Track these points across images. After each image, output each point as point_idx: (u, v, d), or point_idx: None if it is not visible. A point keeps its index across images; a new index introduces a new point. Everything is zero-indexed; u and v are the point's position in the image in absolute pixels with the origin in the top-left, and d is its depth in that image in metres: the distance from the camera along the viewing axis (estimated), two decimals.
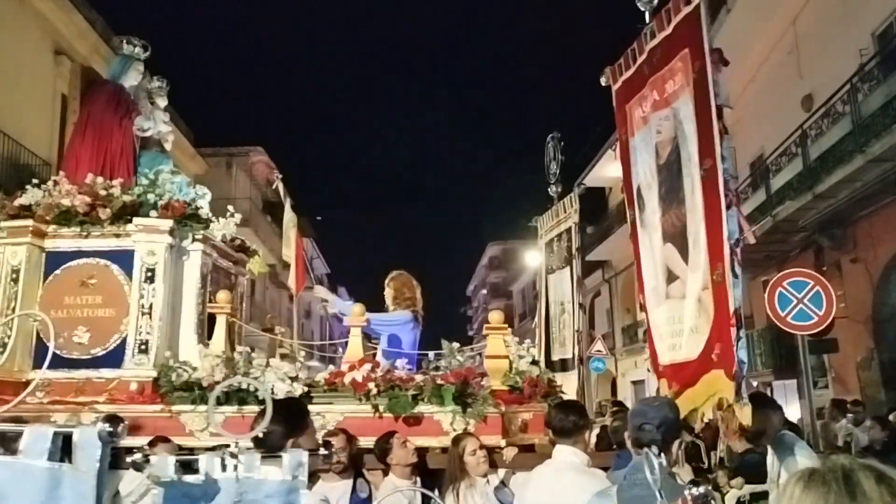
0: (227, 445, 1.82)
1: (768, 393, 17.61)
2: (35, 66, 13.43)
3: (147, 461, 1.76)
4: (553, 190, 7.91)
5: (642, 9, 4.64)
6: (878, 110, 11.27)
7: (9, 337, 4.95)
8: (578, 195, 7.55)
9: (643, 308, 4.66)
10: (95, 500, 1.58)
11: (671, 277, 4.25)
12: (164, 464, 1.76)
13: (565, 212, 7.60)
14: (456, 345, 4.97)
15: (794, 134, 13.86)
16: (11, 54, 12.63)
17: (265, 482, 1.77)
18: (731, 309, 3.57)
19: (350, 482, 4.30)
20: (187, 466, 1.78)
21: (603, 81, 5.20)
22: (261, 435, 2.22)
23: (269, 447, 2.46)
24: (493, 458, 4.37)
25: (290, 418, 2.65)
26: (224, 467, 1.77)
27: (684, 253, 4.08)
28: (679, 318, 4.07)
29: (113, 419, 1.64)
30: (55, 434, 1.62)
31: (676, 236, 4.17)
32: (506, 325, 5.18)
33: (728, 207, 3.66)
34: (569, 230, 7.49)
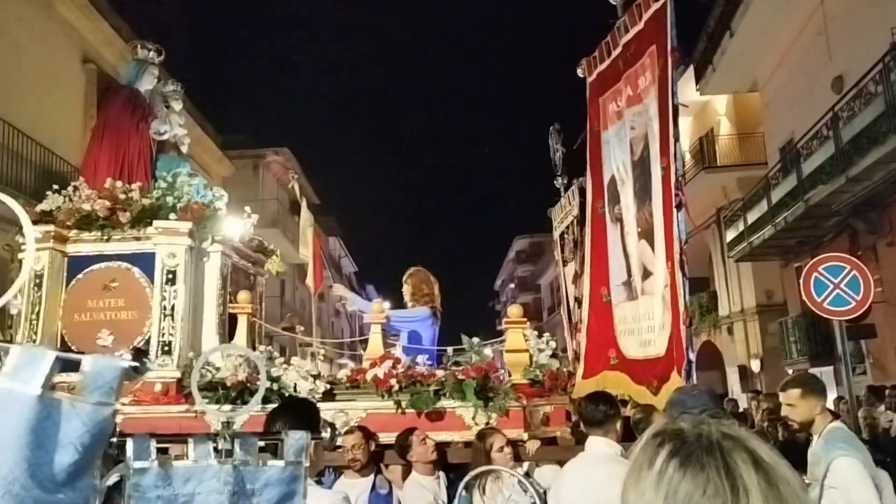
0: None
1: None
2: (64, 75, 13.66)
3: (122, 445, 1.45)
4: (559, 182, 7.83)
5: (613, 2, 4.63)
6: None
7: (34, 341, 5.03)
8: (579, 188, 7.45)
9: (599, 299, 4.58)
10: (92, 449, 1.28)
11: (646, 273, 4.20)
12: (144, 447, 1.46)
13: (570, 204, 7.53)
14: (476, 340, 4.96)
15: (825, 116, 13.55)
16: (41, 63, 12.88)
17: (264, 469, 1.54)
18: (682, 308, 3.51)
19: (370, 479, 4.31)
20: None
21: (580, 73, 5.20)
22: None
23: None
24: (516, 451, 4.34)
25: (313, 419, 2.56)
26: (218, 453, 1.51)
27: (654, 250, 4.06)
28: (652, 314, 4.03)
29: (139, 351, 1.39)
30: (57, 359, 1.28)
31: (649, 233, 4.14)
32: (525, 319, 5.17)
33: (678, 208, 3.62)
34: (572, 223, 7.43)
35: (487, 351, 5.17)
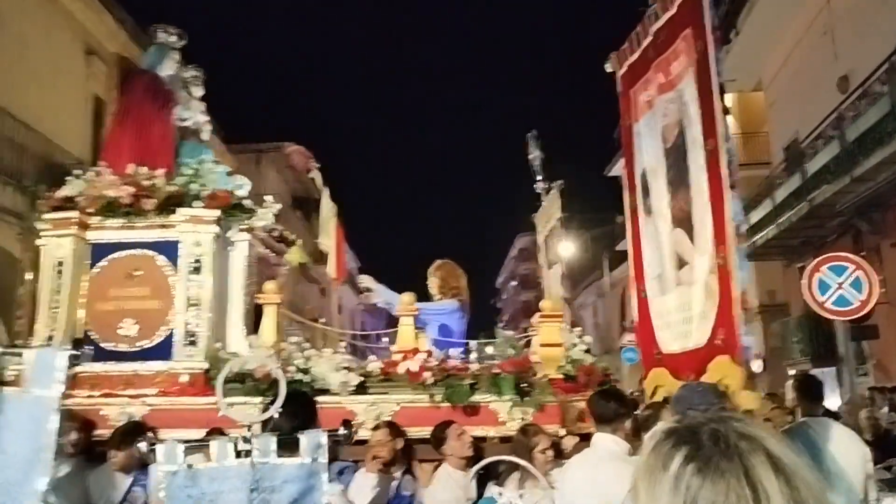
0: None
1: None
2: (67, 66, 13.57)
3: (153, 450, 1.64)
4: (540, 187, 7.83)
5: None
6: None
7: (53, 330, 4.92)
8: (560, 190, 7.48)
9: (639, 295, 4.60)
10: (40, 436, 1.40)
11: (681, 263, 4.18)
12: (173, 451, 1.67)
13: (553, 207, 7.54)
14: (510, 333, 4.89)
15: (830, 116, 13.57)
16: (44, 55, 12.78)
17: (282, 467, 1.66)
18: (737, 293, 3.48)
19: (396, 477, 4.20)
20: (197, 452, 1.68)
21: (608, 68, 5.20)
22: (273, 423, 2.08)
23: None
24: (556, 449, 4.26)
25: (300, 411, 2.52)
26: (238, 453, 1.67)
27: (692, 237, 4.02)
28: (689, 305, 4.01)
29: (78, 341, 1.56)
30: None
31: (685, 221, 4.11)
32: (560, 313, 5.09)
33: (732, 188, 3.59)
34: (556, 226, 7.45)
35: (489, 349, 5.11)
